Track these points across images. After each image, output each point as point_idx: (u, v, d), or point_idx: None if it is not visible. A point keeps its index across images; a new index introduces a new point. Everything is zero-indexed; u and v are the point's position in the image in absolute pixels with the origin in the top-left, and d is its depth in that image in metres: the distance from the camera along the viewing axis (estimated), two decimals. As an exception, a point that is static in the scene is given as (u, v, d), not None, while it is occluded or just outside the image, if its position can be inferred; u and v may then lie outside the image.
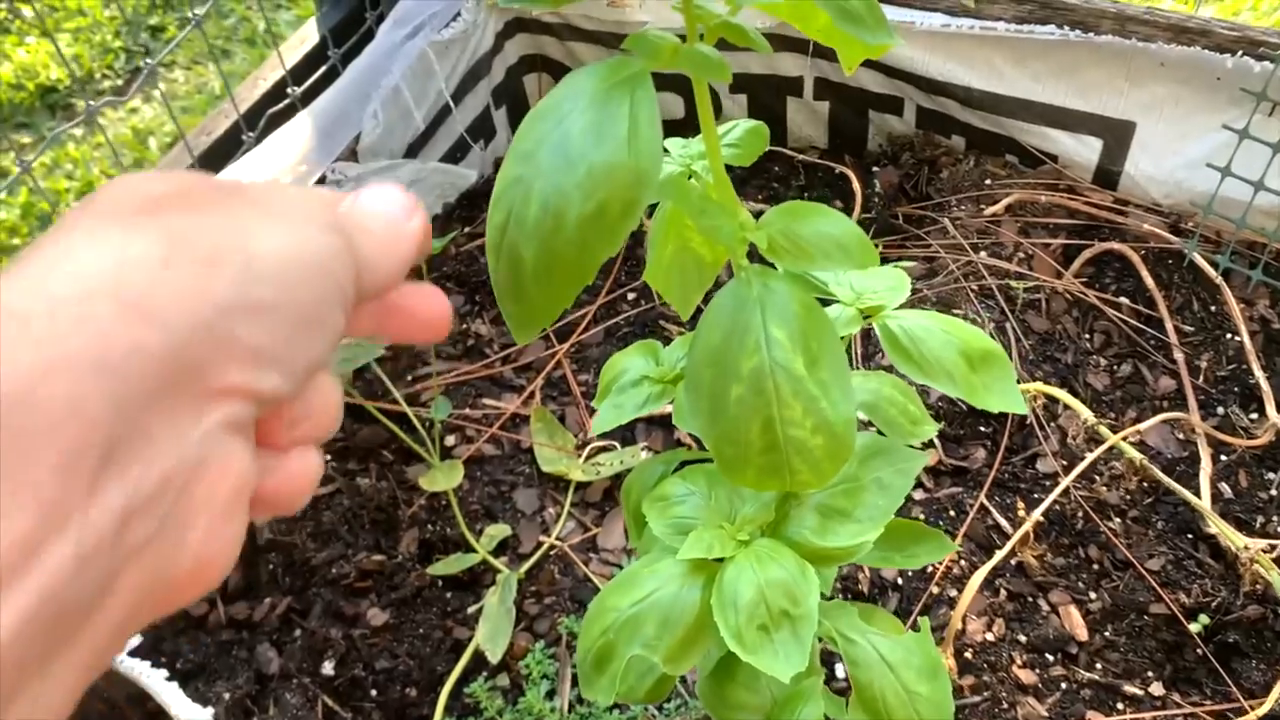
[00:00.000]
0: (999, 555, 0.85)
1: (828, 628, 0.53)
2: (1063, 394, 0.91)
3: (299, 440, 0.30)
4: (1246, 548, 0.80)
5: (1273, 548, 0.88)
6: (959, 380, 0.50)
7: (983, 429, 1.01)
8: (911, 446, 0.53)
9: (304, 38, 1.35)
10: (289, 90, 1.22)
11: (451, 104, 1.26)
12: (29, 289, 0.23)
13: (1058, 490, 0.87)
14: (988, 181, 1.17)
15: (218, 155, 1.17)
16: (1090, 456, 0.88)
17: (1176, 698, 0.87)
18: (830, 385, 0.41)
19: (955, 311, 1.05)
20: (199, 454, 0.25)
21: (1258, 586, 0.86)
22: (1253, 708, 0.83)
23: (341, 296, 0.29)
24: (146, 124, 2.25)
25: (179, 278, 0.25)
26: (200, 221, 0.27)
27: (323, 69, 1.28)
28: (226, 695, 0.89)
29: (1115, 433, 0.94)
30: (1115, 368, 1.05)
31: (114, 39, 2.47)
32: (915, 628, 0.91)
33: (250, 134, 1.18)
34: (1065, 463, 0.96)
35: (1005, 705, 0.86)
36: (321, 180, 1.11)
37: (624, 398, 0.57)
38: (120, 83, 2.37)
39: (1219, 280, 1.06)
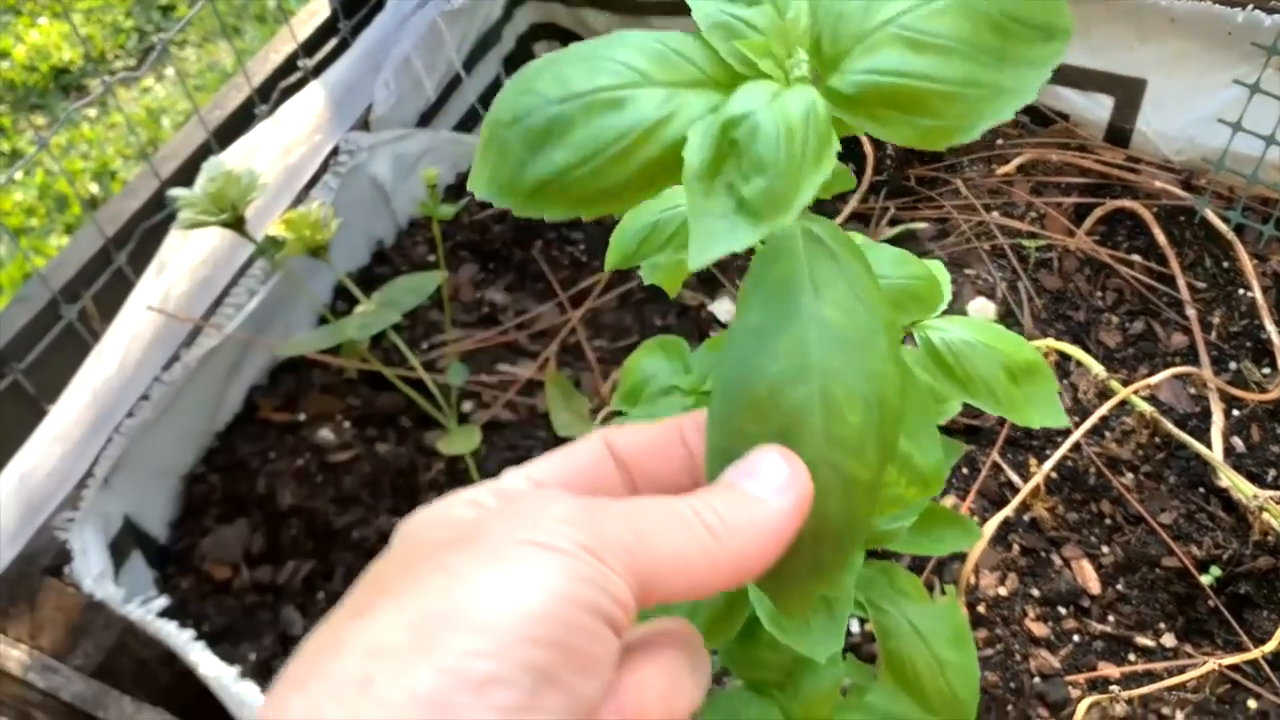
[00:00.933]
0: (1009, 508, 0.86)
1: (860, 599, 0.53)
2: (1075, 350, 0.91)
3: None
4: (1255, 497, 0.81)
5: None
6: (1001, 397, 0.49)
7: (995, 387, 1.02)
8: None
9: (314, 10, 1.35)
10: (300, 63, 1.22)
11: (463, 73, 1.27)
12: None
13: (1068, 444, 0.88)
14: (999, 141, 1.18)
15: (231, 129, 1.18)
16: (1100, 410, 0.89)
17: (1189, 648, 0.88)
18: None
19: (968, 271, 1.06)
20: None
21: (1268, 537, 0.87)
22: (1265, 658, 0.84)
23: (606, 619, 0.25)
24: (160, 102, 2.26)
25: (378, 695, 0.23)
26: (402, 609, 0.25)
27: (334, 41, 1.28)
28: (252, 656, 0.91)
29: (1137, 391, 0.95)
30: (1127, 325, 1.06)
31: (125, 18, 2.48)
32: (929, 585, 0.92)
33: (263, 107, 1.19)
34: (1077, 419, 0.97)
35: (1018, 657, 0.87)
36: (335, 151, 1.12)
37: (655, 409, 0.55)
38: (133, 62, 2.38)
39: (1231, 236, 1.06)
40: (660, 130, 0.30)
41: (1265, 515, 0.80)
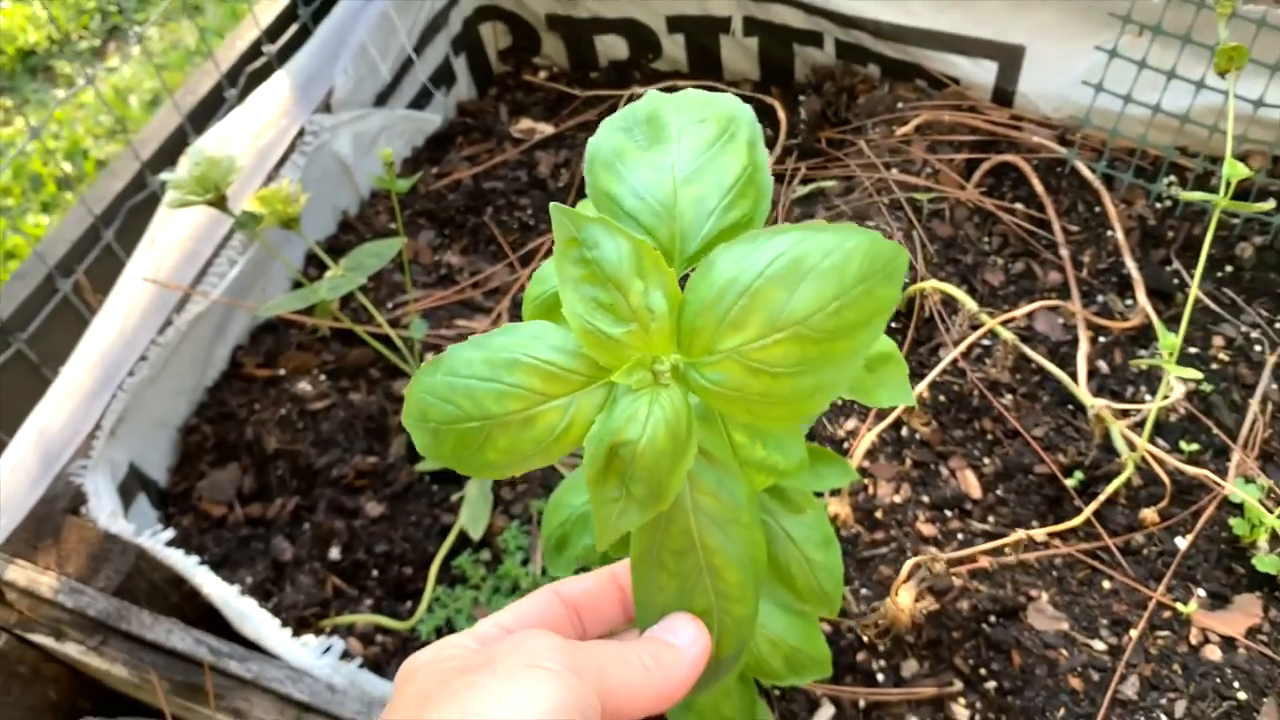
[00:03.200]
0: (887, 420, 1.00)
1: None
2: (952, 289, 1.05)
3: None
4: (1093, 406, 0.96)
5: (1136, 411, 1.04)
6: (855, 382, 0.56)
7: (894, 325, 1.16)
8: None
9: (275, -1, 1.46)
10: (265, 48, 1.33)
11: (414, 56, 1.38)
12: None
13: (939, 368, 1.02)
14: (899, 105, 1.31)
15: (203, 112, 1.29)
16: (971, 337, 1.03)
17: (1057, 541, 1.03)
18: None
19: (868, 223, 1.19)
20: None
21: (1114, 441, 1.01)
22: (1116, 545, 0.99)
23: None
24: (126, 82, 2.34)
25: None
26: (448, 715, 0.33)
27: (294, 27, 1.39)
28: (249, 579, 1.04)
29: (1010, 323, 1.09)
30: (1010, 266, 1.20)
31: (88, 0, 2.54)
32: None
33: (232, 90, 1.30)
34: (964, 350, 1.11)
35: (910, 553, 1.01)
36: (301, 132, 1.23)
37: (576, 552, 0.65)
38: (97, 43, 2.45)
39: (1099, 185, 1.20)
40: (564, 435, 0.39)
41: (1102, 421, 0.95)
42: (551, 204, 0.39)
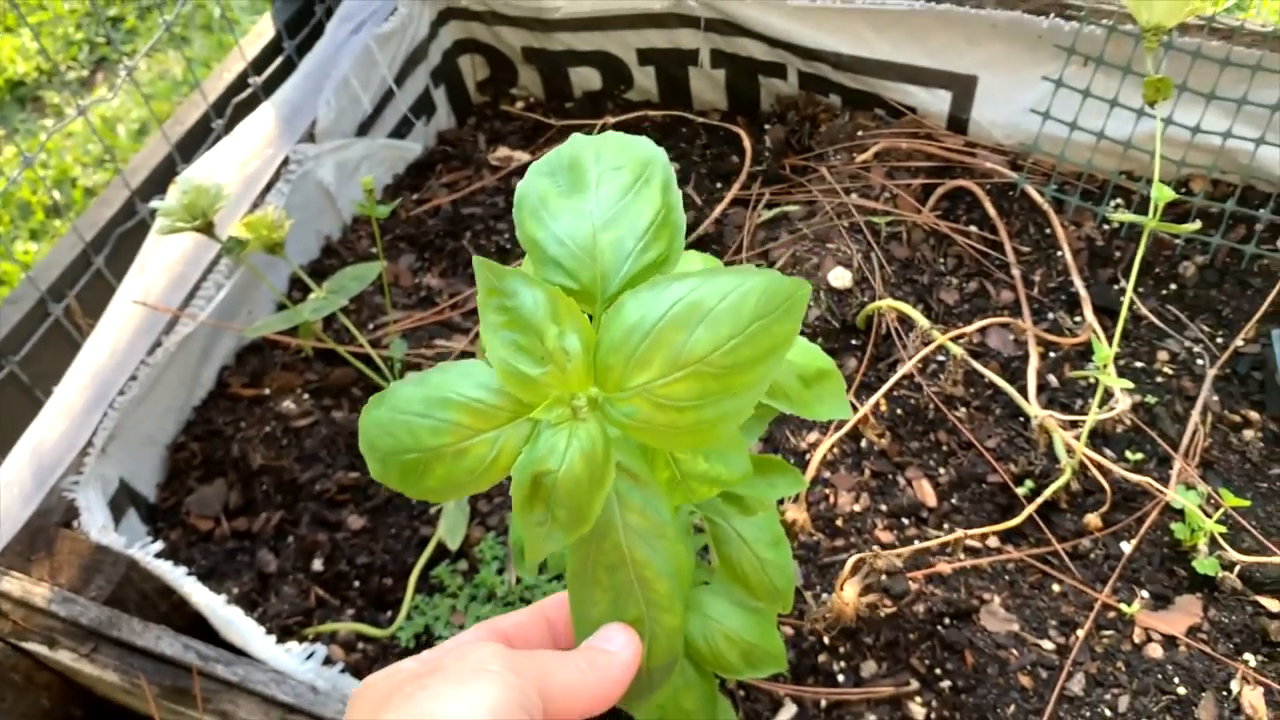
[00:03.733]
0: (843, 429, 1.05)
1: (698, 514, 0.70)
2: (906, 307, 1.11)
3: None
4: (1036, 416, 1.01)
5: (1081, 423, 1.09)
6: (794, 398, 0.57)
7: (854, 342, 1.21)
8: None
9: (260, 32, 1.51)
10: (251, 80, 1.38)
11: (394, 87, 1.43)
12: None
13: (892, 381, 1.07)
14: (859, 133, 1.36)
15: (191, 142, 1.34)
16: (923, 352, 1.08)
17: (1009, 548, 1.08)
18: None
19: (829, 245, 1.25)
20: None
21: (1070, 453, 1.06)
22: (1065, 550, 1.04)
23: (530, 716, 0.38)
24: (114, 112, 2.39)
25: None
26: (404, 714, 0.37)
27: (279, 59, 1.45)
28: (235, 590, 1.08)
29: (962, 339, 1.15)
30: (964, 285, 1.25)
31: (76, 31, 2.59)
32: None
33: (219, 121, 1.35)
34: (920, 365, 1.16)
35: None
36: (285, 161, 1.28)
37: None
38: (85, 73, 2.50)
39: (1047, 207, 1.26)
40: (493, 466, 0.43)
41: (1046, 430, 1.00)
42: (475, 257, 0.43)
